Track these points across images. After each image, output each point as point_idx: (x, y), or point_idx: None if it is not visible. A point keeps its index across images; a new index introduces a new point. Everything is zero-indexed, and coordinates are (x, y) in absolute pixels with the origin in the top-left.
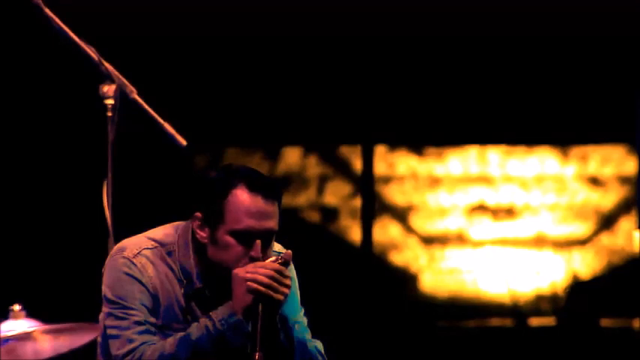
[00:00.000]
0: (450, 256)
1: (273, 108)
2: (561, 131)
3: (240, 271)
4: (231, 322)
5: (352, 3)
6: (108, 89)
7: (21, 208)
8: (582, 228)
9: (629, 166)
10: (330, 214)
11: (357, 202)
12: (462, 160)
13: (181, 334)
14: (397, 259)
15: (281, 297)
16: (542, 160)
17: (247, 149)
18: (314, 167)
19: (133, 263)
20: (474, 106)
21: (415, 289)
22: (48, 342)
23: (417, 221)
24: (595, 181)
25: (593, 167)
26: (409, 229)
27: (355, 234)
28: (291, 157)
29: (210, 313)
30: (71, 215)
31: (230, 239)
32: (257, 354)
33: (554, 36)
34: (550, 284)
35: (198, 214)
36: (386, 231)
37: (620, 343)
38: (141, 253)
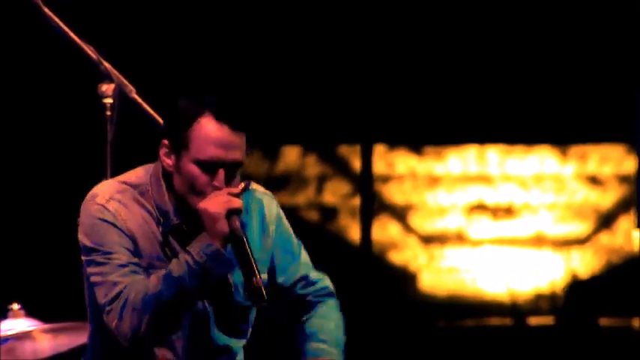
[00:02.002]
0: (449, 255)
1: (272, 107)
2: (560, 130)
3: (205, 204)
4: (209, 253)
5: (353, 3)
6: (107, 88)
7: (20, 207)
8: (581, 227)
9: (628, 166)
10: (330, 213)
11: (357, 201)
12: (461, 160)
13: (163, 272)
14: (396, 258)
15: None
16: (542, 160)
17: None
18: (313, 166)
19: (106, 208)
20: (472, 105)
21: (414, 288)
22: (47, 341)
23: (416, 220)
24: (594, 181)
25: (593, 166)
26: (408, 229)
27: (354, 233)
28: (290, 156)
29: (188, 248)
30: (70, 214)
31: (194, 168)
32: (255, 279)
33: (554, 35)
34: (549, 283)
35: (165, 141)
36: (385, 230)
37: (619, 343)
38: (113, 198)
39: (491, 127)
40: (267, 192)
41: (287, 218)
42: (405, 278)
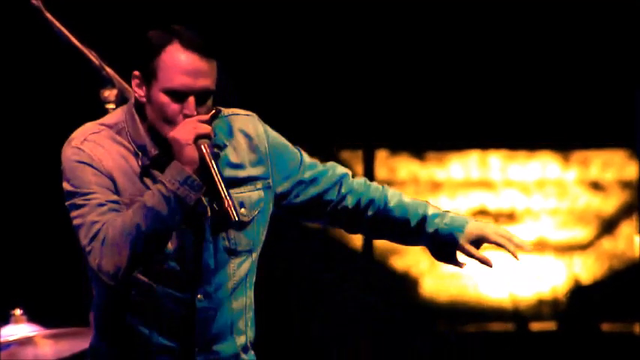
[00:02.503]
0: None
1: (273, 112)
2: (562, 136)
3: (174, 132)
4: (181, 179)
5: (354, 7)
6: (109, 94)
7: (22, 212)
8: (583, 233)
9: (630, 171)
10: None
11: None
12: (463, 165)
13: (137, 204)
14: (398, 263)
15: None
16: (544, 165)
17: None
18: None
19: (81, 150)
20: (474, 110)
21: (416, 293)
22: (49, 346)
23: None
24: (596, 186)
25: (594, 172)
26: None
27: (356, 238)
28: None
29: (159, 177)
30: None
31: (164, 97)
32: (226, 201)
33: (556, 40)
34: (551, 289)
35: (135, 72)
36: None
37: (622, 348)
38: (87, 139)
39: (493, 133)
40: (249, 112)
41: (289, 224)
42: (407, 283)
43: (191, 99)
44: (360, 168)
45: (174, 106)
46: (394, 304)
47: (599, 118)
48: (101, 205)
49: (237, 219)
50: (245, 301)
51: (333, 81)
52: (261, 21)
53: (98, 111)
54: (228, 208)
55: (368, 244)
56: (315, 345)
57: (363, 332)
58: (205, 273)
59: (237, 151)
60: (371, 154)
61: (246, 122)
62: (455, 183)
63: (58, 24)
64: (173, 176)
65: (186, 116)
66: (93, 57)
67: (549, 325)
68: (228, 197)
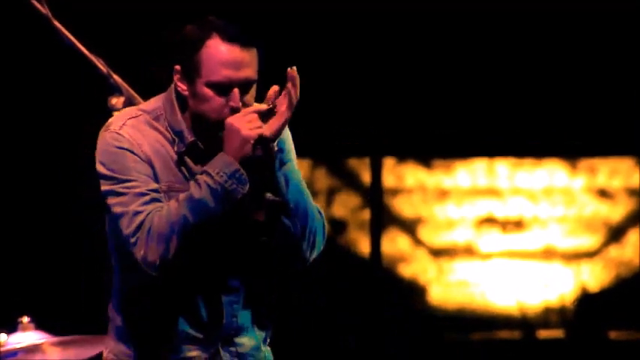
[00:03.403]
0: (459, 268)
1: None
2: (570, 144)
3: (237, 123)
4: (229, 172)
5: (362, 14)
6: (117, 101)
7: (30, 220)
8: (591, 240)
9: (637, 179)
10: (339, 226)
11: (366, 214)
12: (470, 173)
13: (183, 195)
14: (406, 271)
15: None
16: (551, 173)
17: None
18: (322, 179)
19: (121, 135)
20: (482, 118)
21: (424, 301)
22: (57, 354)
23: (425, 234)
24: (603, 194)
25: (602, 179)
26: (418, 242)
27: (364, 246)
28: (300, 169)
29: (205, 169)
30: (81, 227)
31: (208, 91)
32: (258, 213)
33: (564, 49)
34: (559, 297)
35: (177, 67)
36: (394, 243)
37: (630, 356)
38: (126, 124)
39: (500, 141)
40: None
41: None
42: (414, 291)
43: (235, 90)
44: (367, 176)
45: (219, 99)
46: (401, 312)
47: (607, 126)
48: (143, 194)
49: (264, 238)
50: (264, 295)
51: (341, 89)
52: (267, 27)
53: (105, 119)
54: (258, 221)
55: (375, 252)
56: (320, 352)
57: (371, 340)
58: (230, 265)
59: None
60: (378, 162)
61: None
62: (462, 191)
63: (65, 32)
64: (221, 168)
65: (232, 109)
66: (100, 64)
67: (557, 333)
68: (264, 212)
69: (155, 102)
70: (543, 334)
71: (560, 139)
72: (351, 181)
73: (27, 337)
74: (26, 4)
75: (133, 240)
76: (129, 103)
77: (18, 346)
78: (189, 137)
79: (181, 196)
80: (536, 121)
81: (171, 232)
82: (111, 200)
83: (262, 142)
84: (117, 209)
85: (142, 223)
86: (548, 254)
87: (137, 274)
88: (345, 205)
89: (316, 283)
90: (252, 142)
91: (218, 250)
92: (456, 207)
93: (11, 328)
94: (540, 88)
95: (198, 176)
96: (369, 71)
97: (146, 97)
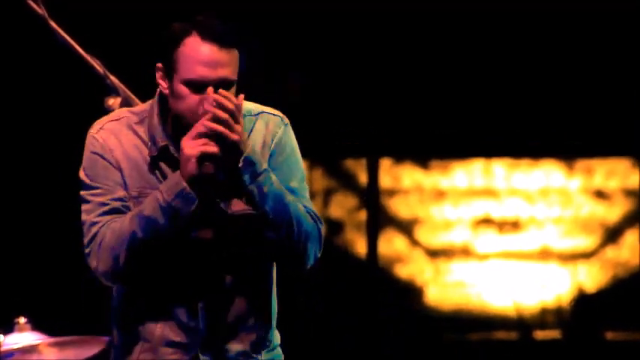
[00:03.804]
0: (456, 269)
1: None
2: (566, 144)
3: (184, 142)
4: (177, 191)
5: (356, 15)
6: (113, 102)
7: (27, 220)
8: (587, 241)
9: (634, 180)
10: (336, 227)
11: (363, 215)
12: (467, 173)
13: (135, 210)
14: (402, 272)
15: (236, 136)
16: (548, 173)
17: None
18: (319, 180)
19: (96, 139)
20: (478, 119)
21: (420, 302)
22: (53, 355)
23: (422, 234)
24: (600, 195)
25: (599, 180)
26: (414, 242)
27: (360, 247)
28: None
29: (160, 185)
30: (78, 228)
31: (183, 89)
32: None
33: (560, 48)
34: (555, 297)
35: (159, 64)
36: (391, 244)
37: (626, 357)
38: (103, 127)
39: (497, 141)
40: (279, 114)
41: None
42: (411, 292)
43: (210, 90)
44: (364, 177)
45: (193, 97)
46: (398, 313)
47: (603, 127)
48: (103, 204)
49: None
50: (254, 299)
51: (337, 90)
52: (266, 27)
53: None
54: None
55: (372, 252)
56: (317, 353)
57: (367, 341)
58: (212, 269)
59: (254, 150)
60: (375, 163)
61: (270, 121)
62: (459, 191)
63: (62, 32)
64: (170, 187)
65: (205, 109)
66: (97, 65)
67: (553, 334)
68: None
69: (147, 104)
70: (540, 334)
71: (557, 140)
72: (347, 182)
73: (24, 337)
74: (23, 5)
75: (87, 250)
76: (125, 103)
77: (15, 346)
78: (161, 141)
79: (134, 210)
80: (533, 121)
81: (120, 247)
82: (81, 207)
83: (210, 158)
84: (82, 216)
85: (95, 235)
86: (545, 255)
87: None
88: (342, 205)
89: (313, 284)
90: (193, 160)
91: (191, 257)
92: (453, 208)
93: (8, 328)
94: (537, 88)
95: (153, 193)
96: (366, 72)
97: (143, 97)
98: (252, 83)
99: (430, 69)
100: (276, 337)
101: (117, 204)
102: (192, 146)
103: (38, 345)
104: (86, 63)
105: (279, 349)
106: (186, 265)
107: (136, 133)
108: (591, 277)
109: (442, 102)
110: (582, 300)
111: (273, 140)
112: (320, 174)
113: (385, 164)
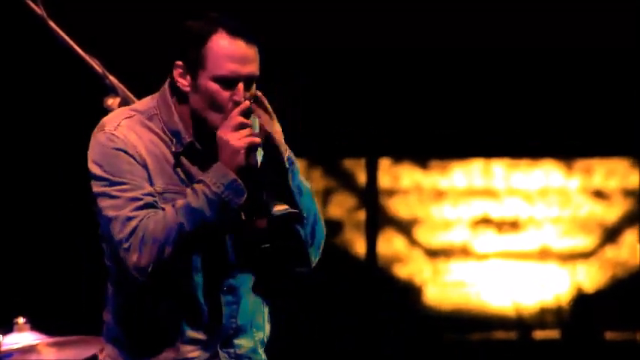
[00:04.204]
0: (455, 269)
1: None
2: (565, 144)
3: (226, 135)
4: (226, 183)
5: (356, 16)
6: (112, 102)
7: (27, 221)
8: (586, 241)
9: (633, 179)
10: (335, 227)
11: (362, 215)
12: (466, 173)
13: (181, 202)
14: (401, 272)
15: (277, 134)
16: (547, 173)
17: None
18: (318, 180)
19: (116, 136)
20: (478, 119)
21: (419, 302)
22: (52, 355)
23: (421, 234)
24: (599, 194)
25: (598, 180)
26: (413, 242)
27: (360, 247)
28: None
29: (202, 178)
30: (77, 228)
31: (213, 85)
32: (258, 220)
33: (559, 49)
34: (554, 297)
35: (179, 62)
36: (390, 244)
37: (625, 356)
38: (120, 125)
39: (496, 141)
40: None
41: None
42: (410, 292)
43: (240, 85)
44: (363, 176)
45: (224, 93)
46: (397, 312)
47: (602, 127)
48: (136, 199)
49: (266, 244)
50: (264, 298)
51: (337, 90)
52: (265, 27)
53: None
54: (259, 228)
55: (371, 252)
56: (317, 353)
57: (367, 340)
58: (229, 267)
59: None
60: (374, 163)
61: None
62: (458, 191)
63: (61, 32)
64: (218, 179)
65: (235, 102)
66: (96, 65)
67: (553, 334)
68: (265, 216)
69: (148, 102)
70: (539, 334)
71: (556, 140)
72: (346, 182)
73: (23, 337)
74: (22, 5)
75: (126, 245)
76: (124, 103)
77: (14, 346)
78: (187, 137)
79: (178, 202)
80: (532, 121)
81: (167, 238)
82: (103, 202)
83: (255, 148)
84: (109, 212)
85: (135, 228)
86: (544, 255)
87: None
88: (341, 205)
89: (312, 283)
90: (242, 152)
91: (218, 251)
92: (452, 207)
93: (7, 328)
94: (536, 88)
95: (196, 185)
96: (365, 72)
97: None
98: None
99: (429, 69)
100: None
101: (150, 199)
102: (237, 138)
103: (37, 345)
104: (85, 63)
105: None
106: (214, 261)
107: (151, 130)
108: (590, 277)
109: (441, 102)
110: (581, 300)
111: None
112: (319, 174)
113: (384, 164)
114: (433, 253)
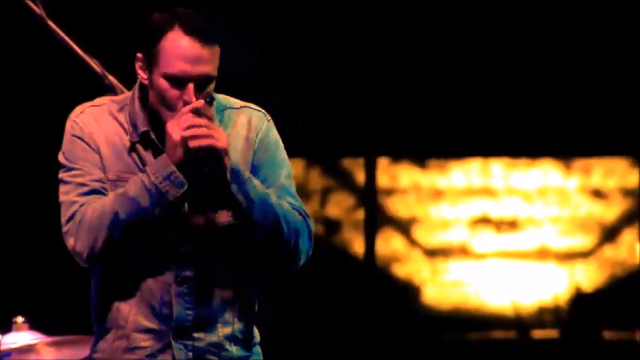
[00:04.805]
0: (453, 268)
1: (275, 121)
2: (564, 144)
3: (171, 127)
4: (165, 174)
5: (353, 15)
6: None
7: (24, 220)
8: (585, 240)
9: (632, 179)
10: (333, 226)
11: (360, 214)
12: (464, 173)
13: (120, 190)
14: (400, 271)
15: (223, 144)
16: (545, 173)
17: None
18: (317, 180)
19: (76, 122)
20: (476, 118)
21: (418, 301)
22: (51, 354)
23: (420, 234)
24: (598, 194)
25: (597, 180)
26: (412, 242)
27: (358, 246)
28: (295, 169)
29: (146, 168)
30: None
31: (163, 83)
32: (196, 216)
33: (557, 48)
34: (553, 297)
35: (139, 54)
36: (389, 243)
37: (624, 356)
38: (83, 112)
39: (495, 141)
40: (262, 110)
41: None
42: (408, 291)
43: (190, 86)
44: (361, 176)
45: (173, 92)
46: (396, 312)
47: (601, 126)
48: (83, 184)
49: (202, 240)
50: (235, 292)
51: (335, 89)
52: (263, 26)
53: None
54: (195, 224)
55: (370, 252)
56: (315, 353)
57: (365, 340)
58: (181, 258)
59: (235, 145)
60: (372, 162)
61: (253, 115)
62: (457, 191)
63: (60, 32)
64: (158, 170)
65: (185, 102)
66: (95, 65)
67: (551, 333)
68: (203, 213)
69: (128, 93)
70: (538, 334)
71: (554, 140)
72: (345, 181)
73: (21, 337)
74: (21, 5)
75: (65, 229)
76: None
77: (12, 346)
78: (142, 127)
79: (118, 190)
80: (530, 121)
81: (101, 226)
82: (60, 189)
83: (207, 149)
84: (61, 197)
85: (74, 213)
86: (543, 254)
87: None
88: (340, 205)
89: (310, 283)
90: (180, 146)
91: (166, 241)
92: (451, 207)
93: (5, 328)
94: (535, 88)
95: (139, 174)
96: (364, 71)
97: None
98: (252, 82)
99: (428, 68)
100: (255, 334)
101: (96, 185)
102: (178, 131)
103: (36, 344)
104: (84, 63)
105: (258, 347)
106: (164, 251)
107: (116, 119)
108: (589, 277)
109: (440, 101)
110: (580, 299)
111: (257, 136)
112: (317, 173)
113: (383, 163)
114: (432, 253)
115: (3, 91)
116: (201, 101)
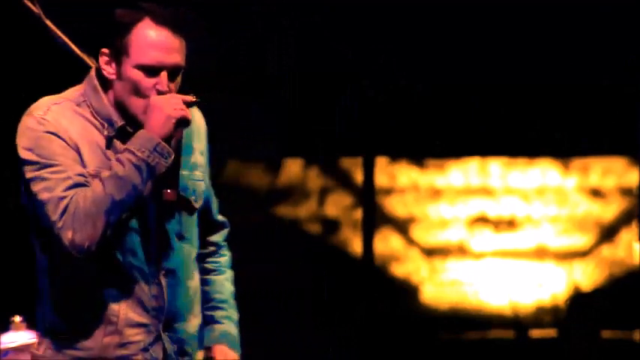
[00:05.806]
0: (451, 267)
1: (274, 120)
2: (562, 143)
3: (161, 102)
4: (151, 147)
5: (355, 10)
6: None
7: (23, 219)
8: (583, 240)
9: (630, 178)
10: (332, 226)
11: (358, 213)
12: (463, 172)
13: (106, 174)
14: (398, 270)
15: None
16: (544, 172)
17: (248, 161)
18: (315, 179)
19: (46, 119)
20: (474, 117)
21: (416, 301)
22: None
23: (418, 233)
24: (596, 193)
25: (595, 179)
26: (410, 241)
27: (356, 246)
28: (292, 169)
29: (126, 147)
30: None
31: (137, 73)
32: (169, 191)
33: (555, 47)
34: (551, 296)
35: (104, 50)
36: (387, 243)
37: (622, 355)
38: (50, 110)
39: (493, 140)
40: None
41: (289, 231)
42: (406, 291)
43: (163, 74)
44: (360, 175)
45: (147, 81)
46: (394, 311)
47: (599, 125)
48: (67, 179)
49: (193, 208)
50: (198, 284)
51: (333, 88)
52: (262, 24)
53: None
54: (168, 200)
55: (368, 251)
56: (314, 353)
57: (363, 339)
58: (167, 250)
59: (192, 136)
60: (371, 162)
61: (194, 110)
62: (455, 190)
63: (58, 31)
64: (142, 144)
65: (159, 92)
66: (93, 64)
67: (549, 333)
68: (174, 189)
69: (74, 91)
70: (536, 333)
71: (553, 139)
72: (343, 181)
73: (19, 336)
74: (18, 3)
75: (60, 224)
76: None
77: (10, 345)
78: (119, 122)
79: (104, 174)
80: (529, 120)
81: (99, 212)
82: (36, 187)
83: (183, 125)
84: (43, 195)
85: (67, 207)
86: (541, 253)
87: (73, 260)
88: (338, 204)
89: (308, 282)
90: (174, 121)
91: (150, 233)
92: (449, 206)
93: (3, 327)
94: (533, 87)
95: (120, 155)
96: (363, 70)
97: None
98: (250, 81)
99: (426, 67)
100: None
101: (81, 179)
102: (173, 108)
103: (33, 344)
104: (83, 62)
105: None
106: (149, 241)
107: (81, 115)
108: (587, 276)
109: (438, 101)
110: (578, 298)
111: (203, 132)
112: (316, 173)
113: (381, 163)
114: (430, 252)
115: (0, 90)
116: (192, 98)
